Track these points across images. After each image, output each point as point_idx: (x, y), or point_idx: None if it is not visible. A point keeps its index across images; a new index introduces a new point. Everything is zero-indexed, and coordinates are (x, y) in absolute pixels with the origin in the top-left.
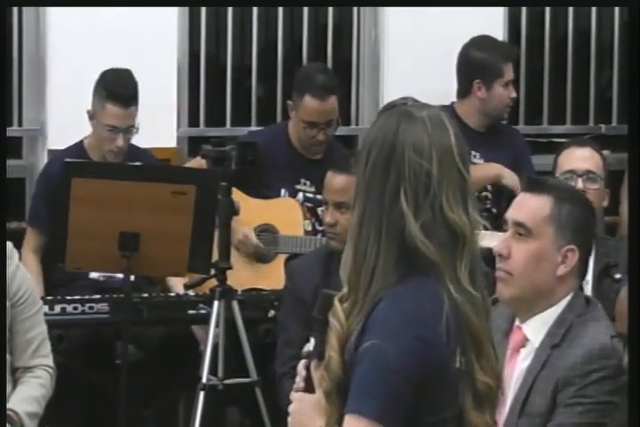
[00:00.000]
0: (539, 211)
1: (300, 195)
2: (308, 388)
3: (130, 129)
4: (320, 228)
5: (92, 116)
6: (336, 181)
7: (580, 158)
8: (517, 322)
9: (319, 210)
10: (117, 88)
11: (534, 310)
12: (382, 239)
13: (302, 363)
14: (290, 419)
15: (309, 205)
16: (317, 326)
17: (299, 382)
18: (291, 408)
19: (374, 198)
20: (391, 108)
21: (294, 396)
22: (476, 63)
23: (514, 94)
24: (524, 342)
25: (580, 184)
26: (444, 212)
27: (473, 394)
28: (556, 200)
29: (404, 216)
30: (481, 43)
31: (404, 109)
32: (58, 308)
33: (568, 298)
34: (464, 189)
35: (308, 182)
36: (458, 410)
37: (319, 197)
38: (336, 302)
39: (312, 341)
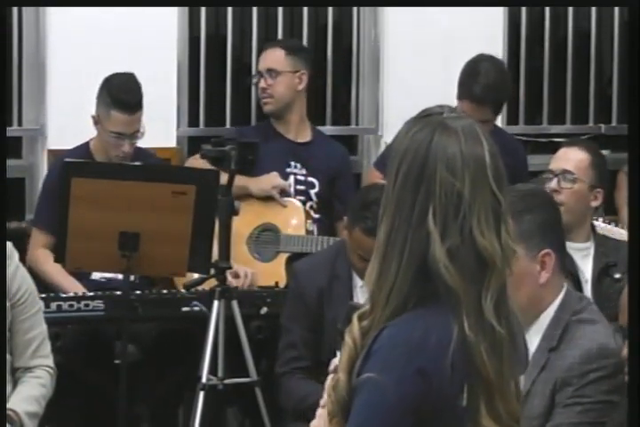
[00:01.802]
0: None
1: (291, 178)
2: None
3: (135, 134)
4: (315, 216)
5: (96, 121)
6: (367, 243)
7: (561, 158)
8: None
9: (312, 192)
10: (123, 95)
11: (527, 320)
12: (404, 258)
13: (330, 378)
14: None
15: (301, 187)
16: (342, 338)
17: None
18: (312, 425)
19: (403, 215)
20: (426, 116)
21: (318, 412)
22: (461, 71)
23: None
24: None
25: (553, 183)
26: (473, 236)
27: None
28: (514, 217)
29: (429, 237)
30: (474, 65)
31: (439, 120)
32: (54, 305)
33: (560, 297)
34: (497, 212)
35: (298, 165)
36: None
37: (310, 179)
38: (354, 320)
39: (338, 355)
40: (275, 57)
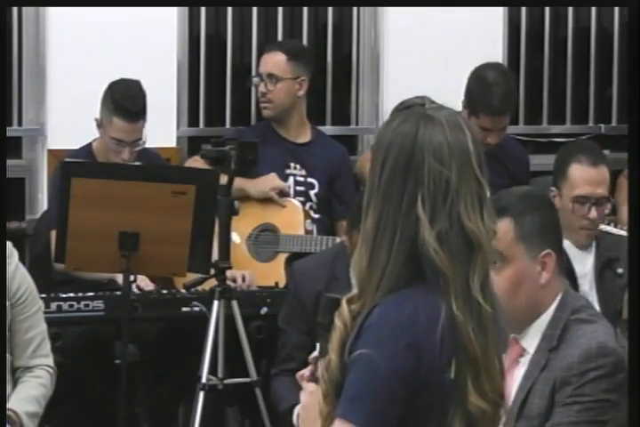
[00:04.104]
0: (504, 236)
1: (291, 179)
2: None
3: (136, 142)
4: (315, 216)
5: (99, 125)
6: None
7: (594, 182)
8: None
9: (311, 193)
10: (125, 102)
11: (528, 323)
12: (395, 244)
13: (308, 369)
14: (301, 411)
15: (301, 188)
16: (321, 330)
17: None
18: (302, 400)
19: (392, 204)
20: (407, 108)
21: (308, 387)
22: (468, 87)
23: (490, 140)
24: (522, 352)
25: (593, 213)
26: (461, 220)
27: (464, 419)
28: (515, 218)
29: (419, 222)
30: (487, 75)
31: (422, 112)
32: (54, 305)
33: (559, 297)
34: (481, 196)
35: (297, 166)
36: (444, 424)
37: (310, 179)
38: (343, 303)
39: (317, 347)
40: (276, 62)
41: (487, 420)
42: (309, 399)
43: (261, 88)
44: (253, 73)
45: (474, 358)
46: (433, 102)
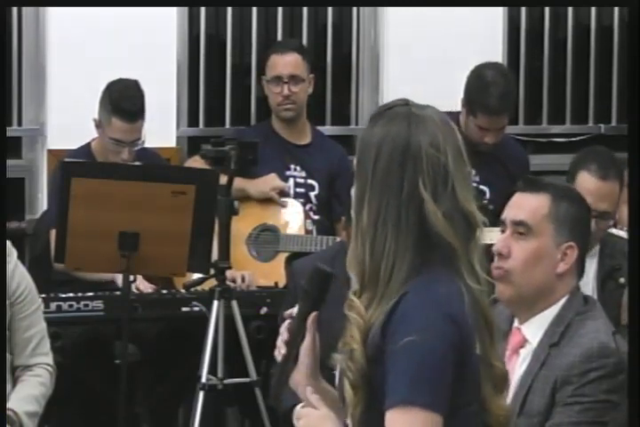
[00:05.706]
0: (538, 209)
1: (291, 181)
2: (289, 352)
3: (135, 142)
4: (315, 217)
5: (97, 125)
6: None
7: (598, 196)
8: (516, 323)
9: (311, 194)
10: (123, 103)
11: (534, 310)
12: (401, 231)
13: (285, 324)
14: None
15: (301, 190)
16: (303, 294)
17: (280, 343)
18: (300, 424)
19: (392, 193)
20: (389, 109)
21: (302, 412)
22: (466, 85)
23: (487, 140)
24: (524, 342)
25: (592, 226)
26: (460, 203)
27: (491, 380)
28: (553, 198)
29: (424, 204)
30: (486, 75)
31: (408, 110)
32: (53, 305)
33: (566, 296)
34: (471, 181)
35: (297, 168)
36: (478, 396)
37: (310, 181)
38: (352, 297)
39: (296, 307)
40: (295, 62)
41: (505, 379)
42: (306, 421)
43: (285, 91)
44: (253, 73)
45: (491, 323)
46: (413, 103)
